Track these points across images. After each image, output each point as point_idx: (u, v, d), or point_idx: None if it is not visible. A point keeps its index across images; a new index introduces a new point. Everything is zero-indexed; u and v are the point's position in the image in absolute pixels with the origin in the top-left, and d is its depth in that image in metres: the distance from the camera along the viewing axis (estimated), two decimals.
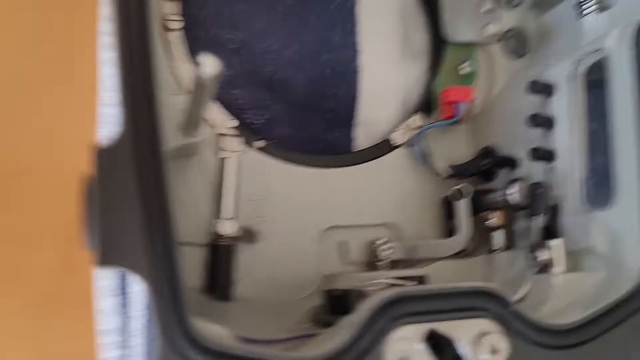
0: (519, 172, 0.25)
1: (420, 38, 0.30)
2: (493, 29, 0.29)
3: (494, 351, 0.17)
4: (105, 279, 0.27)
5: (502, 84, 0.29)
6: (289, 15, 0.29)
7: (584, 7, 0.25)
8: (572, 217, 0.23)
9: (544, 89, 0.24)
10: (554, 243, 0.22)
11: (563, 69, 0.23)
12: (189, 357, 0.15)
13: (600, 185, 0.22)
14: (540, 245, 0.22)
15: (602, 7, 0.25)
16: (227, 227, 0.24)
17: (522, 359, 0.18)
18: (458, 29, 0.29)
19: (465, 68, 0.29)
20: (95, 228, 0.15)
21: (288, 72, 0.28)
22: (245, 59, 0.28)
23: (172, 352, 0.15)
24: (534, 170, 0.24)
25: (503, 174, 0.26)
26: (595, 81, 0.23)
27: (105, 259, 0.15)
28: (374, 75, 0.29)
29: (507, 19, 0.29)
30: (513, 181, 0.24)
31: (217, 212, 0.25)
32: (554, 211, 0.23)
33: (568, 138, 0.23)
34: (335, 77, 0.29)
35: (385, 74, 0.29)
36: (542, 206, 0.23)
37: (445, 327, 0.17)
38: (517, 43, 0.29)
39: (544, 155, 0.24)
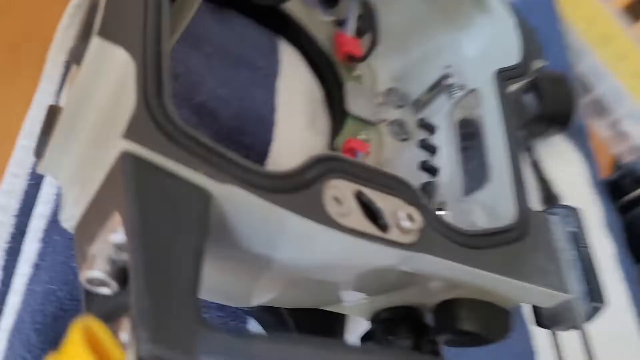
0: None
1: (325, 124, 0.37)
2: (382, 116, 0.36)
3: (410, 219, 0.20)
4: None
5: (388, 156, 0.35)
6: (221, 68, 0.34)
7: (452, 93, 0.34)
8: (453, 206, 0.27)
9: (428, 127, 0.30)
10: (442, 213, 0.26)
11: (443, 114, 0.30)
12: (167, 130, 0.16)
13: (474, 178, 0.27)
14: None
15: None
16: None
17: (428, 240, 0.20)
18: (355, 106, 0.35)
19: (363, 136, 0.35)
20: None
21: (218, 105, 0.32)
22: (182, 85, 0.32)
23: (149, 119, 0.16)
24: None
25: None
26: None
27: (104, 32, 0.17)
28: (285, 132, 0.34)
29: (393, 112, 0.37)
30: None
31: None
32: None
33: (448, 159, 0.29)
34: (255, 120, 0.33)
35: (294, 135, 0.34)
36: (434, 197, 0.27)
37: (370, 193, 0.20)
38: (401, 131, 0.36)
39: (430, 169, 0.29)
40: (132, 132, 0.16)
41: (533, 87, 0.37)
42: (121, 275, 0.16)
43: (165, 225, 0.16)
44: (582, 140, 0.51)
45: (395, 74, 0.38)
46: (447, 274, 0.21)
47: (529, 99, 0.39)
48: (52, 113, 0.21)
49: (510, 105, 0.27)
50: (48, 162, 0.21)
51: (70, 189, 0.21)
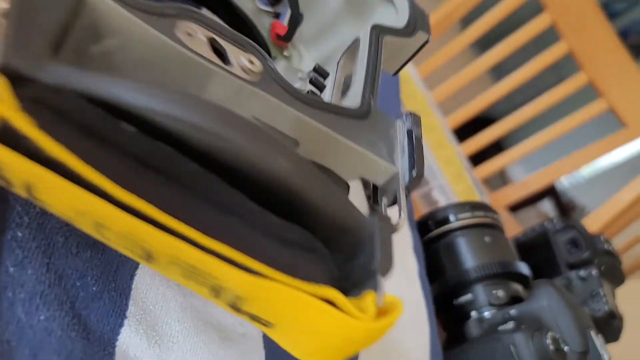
0: None
1: None
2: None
3: (250, 62, 0.25)
4: None
5: None
6: None
7: None
8: None
9: (323, 73, 0.36)
10: None
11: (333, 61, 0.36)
12: None
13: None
14: None
15: None
16: None
17: (267, 84, 0.25)
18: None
19: None
20: None
21: None
22: None
23: None
24: None
25: None
26: None
27: None
28: None
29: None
30: None
31: None
32: None
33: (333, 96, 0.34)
34: None
35: None
36: None
37: (221, 42, 0.25)
38: None
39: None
40: None
41: None
42: None
43: None
44: None
45: (318, 59, 0.44)
46: (288, 119, 0.25)
47: None
48: None
49: (378, 42, 0.33)
50: None
51: None
